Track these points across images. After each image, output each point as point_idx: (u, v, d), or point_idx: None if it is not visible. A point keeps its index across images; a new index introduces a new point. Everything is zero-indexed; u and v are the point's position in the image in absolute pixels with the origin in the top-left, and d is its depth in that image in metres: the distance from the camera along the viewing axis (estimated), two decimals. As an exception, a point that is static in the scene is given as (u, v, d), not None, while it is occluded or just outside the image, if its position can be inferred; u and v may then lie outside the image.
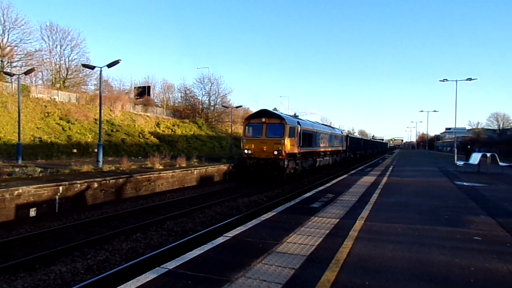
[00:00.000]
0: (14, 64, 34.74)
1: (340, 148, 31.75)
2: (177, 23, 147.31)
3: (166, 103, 53.99)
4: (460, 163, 21.94)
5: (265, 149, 17.78)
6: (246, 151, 18.20)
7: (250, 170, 18.17)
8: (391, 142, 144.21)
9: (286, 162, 17.79)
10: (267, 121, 18.06)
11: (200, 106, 54.42)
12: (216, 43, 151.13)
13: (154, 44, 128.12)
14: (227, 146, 40.25)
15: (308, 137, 21.20)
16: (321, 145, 24.53)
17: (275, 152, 17.44)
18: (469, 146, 33.11)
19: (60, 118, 30.85)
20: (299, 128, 19.29)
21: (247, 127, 18.97)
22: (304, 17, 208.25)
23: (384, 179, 15.14)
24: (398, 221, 6.97)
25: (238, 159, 21.41)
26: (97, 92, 31.47)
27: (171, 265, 4.27)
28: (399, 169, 21.84)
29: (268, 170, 17.74)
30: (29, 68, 24.97)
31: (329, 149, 27.10)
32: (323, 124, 31.09)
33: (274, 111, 19.50)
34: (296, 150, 18.96)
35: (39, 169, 13.29)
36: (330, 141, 27.56)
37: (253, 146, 18.07)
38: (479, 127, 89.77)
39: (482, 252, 4.96)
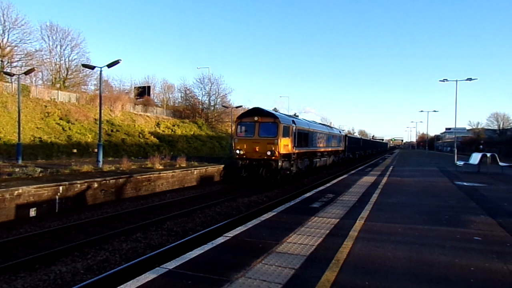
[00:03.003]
0: (14, 64, 34.78)
1: (339, 148, 31.36)
2: (177, 23, 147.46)
3: (166, 103, 54.00)
4: (460, 163, 21.93)
5: (257, 150, 17.00)
6: (238, 151, 17.42)
7: (242, 172, 17.35)
8: (391, 142, 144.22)
9: (280, 163, 17.05)
10: (259, 120, 17.25)
11: (200, 106, 54.44)
12: (216, 43, 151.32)
13: (154, 44, 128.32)
14: (227, 146, 40.25)
15: (304, 136, 20.54)
16: (318, 145, 23.95)
17: (268, 153, 16.72)
18: (481, 146, 32.53)
19: (60, 118, 30.86)
20: (294, 127, 18.63)
21: (239, 126, 18.14)
22: (304, 17, 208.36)
23: (384, 179, 15.13)
24: (398, 221, 6.97)
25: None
26: (97, 92, 31.48)
27: (171, 265, 4.27)
28: (399, 169, 21.84)
29: (261, 172, 17.00)
30: (29, 68, 24.97)
31: (327, 149, 26.58)
32: (320, 124, 30.51)
33: (268, 110, 18.71)
34: (291, 151, 18.30)
35: (39, 169, 13.29)
36: (328, 141, 27.03)
37: (245, 146, 17.30)
38: (479, 127, 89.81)
39: (482, 252, 4.96)
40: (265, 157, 16.86)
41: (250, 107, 19.83)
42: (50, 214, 10.44)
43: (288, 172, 18.52)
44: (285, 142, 17.57)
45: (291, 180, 19.20)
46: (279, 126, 16.99)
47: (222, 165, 20.02)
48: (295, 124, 19.07)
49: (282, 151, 17.22)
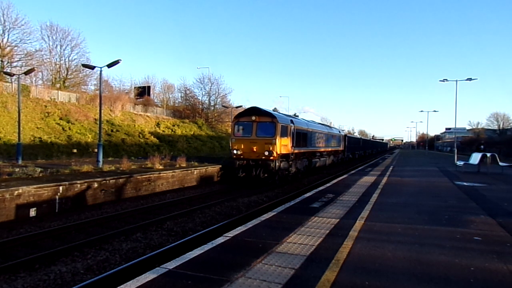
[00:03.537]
0: (14, 64, 34.78)
1: (338, 148, 31.18)
2: (177, 23, 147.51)
3: (166, 103, 54.02)
4: (460, 163, 21.93)
5: (255, 150, 16.72)
6: (235, 151, 17.13)
7: (239, 172, 17.05)
8: (391, 142, 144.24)
9: (277, 163, 16.78)
10: (257, 120, 16.96)
11: (200, 106, 54.46)
12: (216, 43, 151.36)
13: (154, 44, 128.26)
14: (227, 146, 40.19)
15: (302, 136, 20.28)
16: (317, 145, 23.73)
17: (266, 153, 16.40)
18: (482, 146, 31.92)
19: (60, 118, 30.86)
20: (292, 127, 18.35)
21: (236, 126, 17.84)
22: (304, 17, 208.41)
23: (384, 179, 15.13)
24: (398, 221, 6.97)
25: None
26: (97, 92, 31.49)
27: (171, 265, 4.28)
28: (399, 169, 21.84)
29: (258, 172, 16.63)
30: (29, 68, 24.97)
31: (326, 149, 26.40)
32: (319, 123, 30.15)
33: (265, 109, 18.36)
34: (289, 151, 18.03)
35: (39, 169, 13.29)
36: (327, 141, 26.82)
37: (242, 146, 17.02)
38: (479, 127, 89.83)
39: (482, 252, 4.96)
40: (263, 158, 16.57)
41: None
42: (50, 214, 10.43)
43: (286, 172, 18.28)
44: (283, 142, 17.29)
45: (289, 181, 18.98)
46: (277, 125, 16.71)
47: (220, 166, 19.94)
48: (293, 123, 18.80)
49: (280, 151, 16.97)
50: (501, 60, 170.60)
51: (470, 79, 30.75)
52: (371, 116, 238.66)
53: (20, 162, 17.41)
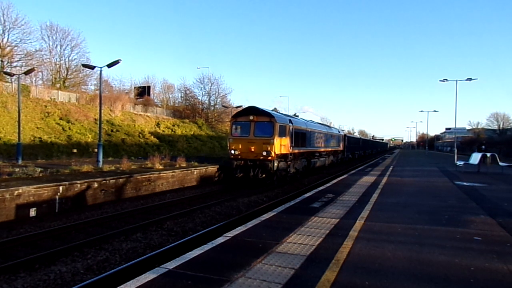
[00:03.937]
0: (14, 64, 34.79)
1: (338, 148, 31.09)
2: (177, 23, 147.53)
3: (166, 103, 54.02)
4: (460, 163, 21.93)
5: (253, 150, 16.52)
6: (232, 151, 16.95)
7: (237, 173, 16.81)
8: (391, 142, 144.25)
9: (276, 164, 16.58)
10: (255, 119, 16.78)
11: (200, 106, 54.45)
12: (216, 43, 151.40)
13: (154, 44, 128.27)
14: (227, 146, 40.19)
15: (301, 136, 20.13)
16: (316, 145, 23.59)
17: (264, 153, 16.19)
18: (483, 146, 31.84)
19: (60, 118, 30.87)
20: (290, 127, 18.17)
21: (234, 126, 17.66)
22: (303, 17, 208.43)
23: (384, 179, 15.13)
24: (398, 221, 6.97)
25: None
26: (97, 92, 31.51)
27: (171, 265, 4.28)
28: (399, 169, 21.84)
29: (256, 172, 16.43)
30: (29, 68, 24.97)
31: (326, 149, 26.28)
32: (318, 123, 29.90)
33: (263, 108, 18.10)
34: (287, 151, 17.84)
35: (39, 169, 13.29)
36: (327, 141, 26.68)
37: (240, 146, 16.83)
38: (479, 127, 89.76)
39: (482, 252, 4.96)
40: (261, 158, 16.38)
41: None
42: (50, 214, 10.43)
43: (284, 173, 18.11)
44: (282, 142, 17.11)
45: (288, 181, 18.84)
46: (275, 125, 16.53)
47: (217, 166, 19.78)
48: (292, 123, 18.62)
49: (279, 151, 16.80)
50: (501, 60, 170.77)
51: (470, 79, 30.77)
52: (371, 116, 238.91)
53: (20, 162, 17.41)
